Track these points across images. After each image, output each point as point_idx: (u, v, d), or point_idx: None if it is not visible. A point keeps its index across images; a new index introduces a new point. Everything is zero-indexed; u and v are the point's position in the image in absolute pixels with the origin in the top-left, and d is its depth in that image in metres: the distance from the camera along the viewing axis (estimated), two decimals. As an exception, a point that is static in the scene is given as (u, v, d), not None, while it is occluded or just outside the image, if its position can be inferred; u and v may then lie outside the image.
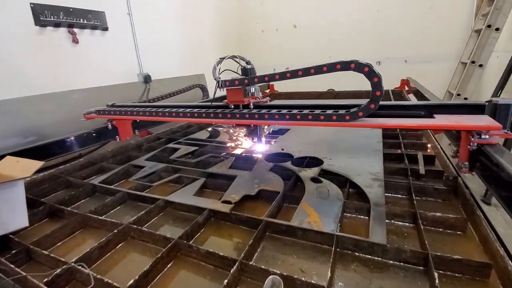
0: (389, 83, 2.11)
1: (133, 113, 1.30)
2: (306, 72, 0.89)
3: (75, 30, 2.02)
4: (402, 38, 3.39)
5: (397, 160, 1.22)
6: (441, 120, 0.84)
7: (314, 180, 1.00)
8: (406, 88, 2.74)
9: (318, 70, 0.88)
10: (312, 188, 0.94)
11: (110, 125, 1.55)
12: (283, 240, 0.76)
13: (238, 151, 1.44)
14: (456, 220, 0.75)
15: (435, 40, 3.32)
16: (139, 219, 0.86)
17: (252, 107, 1.08)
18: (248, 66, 1.11)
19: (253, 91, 1.12)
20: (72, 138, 1.40)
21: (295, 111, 0.97)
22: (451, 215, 0.76)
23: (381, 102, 0.88)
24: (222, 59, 1.14)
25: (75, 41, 2.02)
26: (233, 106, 1.09)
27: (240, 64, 1.13)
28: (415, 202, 0.82)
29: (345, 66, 0.84)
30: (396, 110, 0.95)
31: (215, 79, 1.08)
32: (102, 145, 1.59)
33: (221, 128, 1.88)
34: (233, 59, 1.17)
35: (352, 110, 0.88)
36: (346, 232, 0.73)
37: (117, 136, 1.60)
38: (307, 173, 1.06)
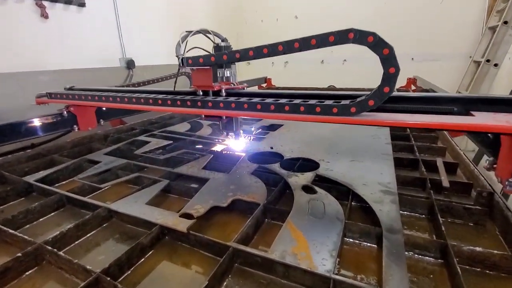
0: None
1: (87, 98, 1.06)
2: (289, 47, 0.66)
3: (45, 3, 1.77)
4: (409, 34, 3.15)
5: (409, 166, 1.00)
6: (484, 118, 0.61)
7: (307, 189, 0.78)
8: (413, 87, 2.53)
9: (305, 44, 0.64)
10: (303, 200, 0.72)
11: (65, 112, 1.30)
12: (257, 276, 0.53)
13: (219, 148, 1.21)
14: (502, 258, 0.53)
15: (444, 36, 3.09)
16: (63, 236, 0.63)
17: (224, 94, 0.84)
18: (223, 44, 0.88)
19: (228, 75, 0.89)
20: (17, 123, 1.15)
21: (283, 100, 0.73)
22: (495, 251, 0.54)
23: (398, 93, 0.66)
24: (189, 32, 0.90)
25: (44, 15, 1.78)
26: (201, 93, 0.85)
27: (213, 42, 0.90)
28: (443, 228, 0.60)
29: (341, 37, 0.60)
30: (418, 104, 0.71)
31: (176, 56, 0.84)
32: (59, 136, 1.35)
33: (204, 121, 1.65)
34: (204, 35, 0.93)
35: (359, 98, 0.65)
36: (347, 270, 0.51)
37: (75, 126, 1.35)
38: (298, 179, 0.83)
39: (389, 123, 0.61)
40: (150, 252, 0.61)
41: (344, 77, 3.40)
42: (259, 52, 0.70)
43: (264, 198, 0.73)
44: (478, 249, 0.53)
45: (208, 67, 0.82)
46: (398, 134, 1.30)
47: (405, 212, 0.73)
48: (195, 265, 0.58)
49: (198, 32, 0.91)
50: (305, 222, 0.62)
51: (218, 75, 0.86)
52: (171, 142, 1.24)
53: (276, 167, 0.92)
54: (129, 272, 0.56)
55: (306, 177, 0.84)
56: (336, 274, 0.47)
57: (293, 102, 0.68)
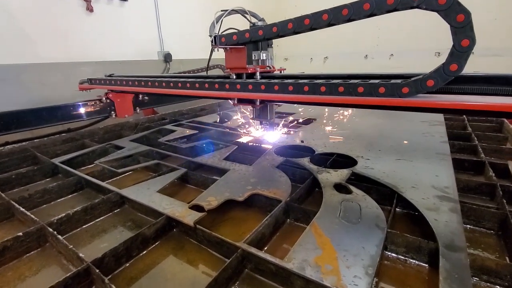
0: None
1: (124, 83, 1.05)
2: (336, 14, 0.55)
3: (90, -4, 1.85)
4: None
5: (472, 170, 0.82)
6: None
7: (339, 188, 0.65)
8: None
9: (336, 15, 0.53)
10: (335, 200, 0.60)
11: (104, 99, 1.34)
12: (268, 287, 0.43)
13: (246, 140, 1.13)
14: None
15: (509, 29, 2.65)
16: (69, 218, 0.59)
17: (258, 77, 0.76)
18: (260, 23, 0.79)
19: (264, 58, 0.80)
20: (53, 108, 1.19)
21: (319, 81, 0.62)
22: None
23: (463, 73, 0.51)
24: (225, 12, 0.84)
25: (90, 9, 1.86)
26: (234, 76, 0.78)
27: (250, 21, 0.82)
28: (527, 251, 0.44)
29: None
30: (474, 84, 0.55)
31: (210, 35, 0.78)
32: (96, 122, 1.39)
33: (233, 113, 1.58)
34: (241, 14, 0.86)
35: (414, 78, 0.51)
36: (387, 294, 0.39)
37: (112, 112, 1.38)
38: (330, 177, 0.71)
39: (452, 105, 0.46)
40: (154, 245, 0.55)
41: (373, 64, 3.12)
42: (300, 24, 0.60)
43: (287, 195, 0.62)
44: None
45: (242, 46, 0.74)
46: (457, 133, 1.09)
47: (468, 226, 0.57)
48: (201, 265, 0.50)
49: (234, 11, 0.84)
50: (335, 227, 0.50)
51: (253, 58, 0.78)
52: (196, 131, 1.19)
53: (305, 161, 0.81)
54: (127, 264, 0.50)
55: (340, 175, 0.72)
56: (372, 299, 0.35)
57: (330, 82, 0.57)
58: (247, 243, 0.47)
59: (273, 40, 0.79)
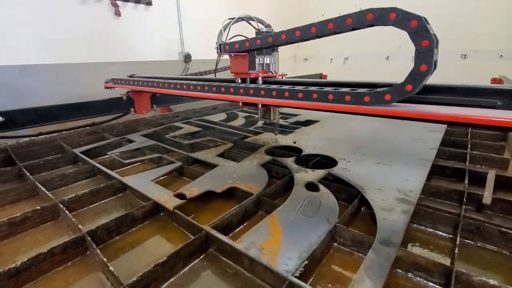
0: (476, 82, 1.58)
1: (143, 84, 1.19)
2: (322, 28, 0.61)
3: (118, 2, 2.03)
4: (498, 27, 2.59)
5: (453, 177, 0.83)
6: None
7: (310, 186, 0.72)
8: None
9: (341, 24, 0.59)
10: (300, 196, 0.66)
11: (125, 97, 1.50)
12: (225, 264, 0.52)
13: (244, 138, 1.21)
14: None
15: None
16: (78, 198, 0.72)
17: (260, 82, 0.83)
18: (265, 29, 0.87)
19: (268, 62, 0.87)
20: (83, 104, 1.36)
21: (299, 87, 0.69)
22: (526, 291, 0.40)
23: (431, 83, 0.56)
24: (232, 20, 0.92)
25: (118, 13, 2.04)
26: (240, 80, 0.87)
27: (256, 28, 0.89)
28: (456, 250, 0.48)
29: (380, 17, 0.54)
30: (453, 95, 0.59)
31: (216, 43, 0.87)
32: (119, 117, 1.55)
33: (240, 112, 1.67)
34: (247, 21, 0.93)
35: (377, 89, 0.56)
36: (320, 277, 0.46)
37: (132, 109, 1.54)
38: (306, 175, 0.77)
39: (406, 113, 0.52)
40: (142, 224, 0.65)
41: (389, 70, 3.03)
42: (292, 36, 0.67)
43: (260, 189, 0.70)
44: (492, 282, 0.41)
45: (245, 53, 0.82)
46: (453, 140, 1.09)
47: (426, 228, 0.61)
48: (176, 243, 0.59)
49: (241, 19, 0.91)
50: (291, 219, 0.57)
51: (257, 62, 0.85)
52: (201, 129, 1.29)
53: (288, 161, 0.88)
54: (118, 238, 0.61)
55: (315, 174, 0.78)
56: (296, 277, 0.42)
57: (322, 89, 0.64)
58: (212, 227, 0.56)
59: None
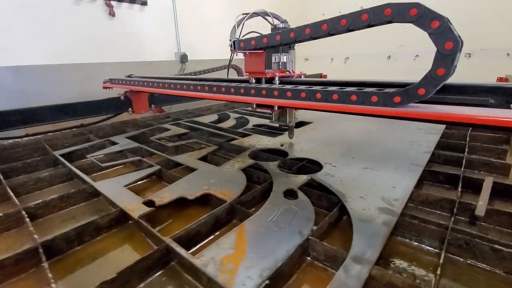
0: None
1: (142, 84, 1.16)
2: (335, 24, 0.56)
3: (113, 2, 2.01)
4: (505, 25, 2.49)
5: (447, 183, 0.78)
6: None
7: (289, 193, 0.67)
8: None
9: (355, 19, 0.54)
10: (276, 205, 0.62)
11: (122, 97, 1.48)
12: (184, 280, 0.47)
13: (232, 140, 1.17)
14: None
15: None
16: (46, 204, 0.68)
17: (277, 82, 0.77)
18: (281, 25, 0.81)
19: (284, 60, 0.81)
20: (66, 106, 1.34)
21: (316, 87, 0.63)
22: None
23: None
24: (246, 15, 0.85)
25: (112, 14, 2.02)
26: (254, 80, 0.80)
27: (271, 24, 0.83)
28: (439, 269, 0.43)
29: (399, 13, 0.49)
30: (443, 94, 0.54)
31: (229, 40, 0.81)
32: (113, 117, 1.53)
33: (232, 114, 1.62)
34: (262, 17, 0.87)
35: (408, 86, 0.52)
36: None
37: (130, 109, 1.52)
38: (287, 181, 0.72)
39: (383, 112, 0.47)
40: (107, 233, 0.61)
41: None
42: (317, 29, 0.61)
43: (235, 196, 0.65)
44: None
45: (261, 51, 0.75)
46: (451, 143, 1.03)
47: (411, 241, 0.56)
48: (139, 254, 0.55)
49: (256, 14, 0.85)
50: (261, 230, 0.53)
51: (273, 60, 0.79)
52: (188, 131, 1.25)
53: (271, 165, 0.83)
54: (79, 248, 0.57)
55: (297, 180, 0.73)
56: (252, 299, 0.38)
57: (326, 89, 0.59)
58: (175, 238, 0.51)
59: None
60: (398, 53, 3.06)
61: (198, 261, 0.45)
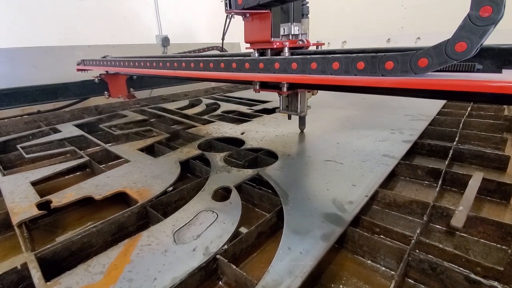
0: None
1: (119, 64, 1.02)
2: None
3: (83, -20, 1.85)
4: None
5: (426, 180, 0.63)
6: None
7: (222, 192, 0.53)
8: None
9: None
10: (197, 207, 0.48)
11: (97, 80, 1.35)
12: None
13: (191, 127, 1.03)
14: None
15: None
16: None
17: (287, 53, 0.59)
18: None
19: (297, 32, 0.64)
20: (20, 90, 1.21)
21: (315, 56, 0.48)
22: None
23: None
24: None
25: (82, -8, 1.86)
26: (257, 54, 0.61)
27: None
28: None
29: None
30: None
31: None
32: (81, 101, 1.41)
33: (204, 99, 1.48)
34: None
35: (407, 52, 0.38)
36: None
37: (106, 93, 1.40)
38: (227, 176, 0.59)
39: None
40: (-10, 241, 0.49)
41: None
42: None
43: (152, 196, 0.52)
44: None
45: (266, 10, 0.56)
46: (440, 131, 0.87)
47: (366, 260, 0.42)
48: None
49: None
50: (155, 246, 0.40)
51: (282, 32, 0.63)
52: (147, 117, 1.12)
53: (217, 157, 0.69)
54: None
55: (240, 175, 0.59)
56: None
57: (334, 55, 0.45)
58: (42, 254, 0.39)
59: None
60: (398, 36, 2.84)
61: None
